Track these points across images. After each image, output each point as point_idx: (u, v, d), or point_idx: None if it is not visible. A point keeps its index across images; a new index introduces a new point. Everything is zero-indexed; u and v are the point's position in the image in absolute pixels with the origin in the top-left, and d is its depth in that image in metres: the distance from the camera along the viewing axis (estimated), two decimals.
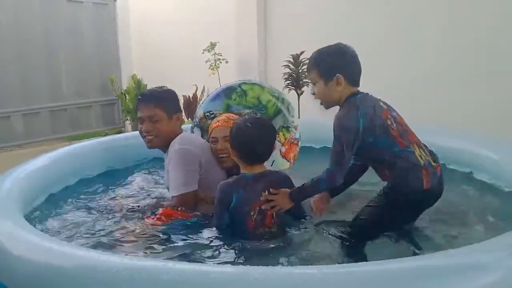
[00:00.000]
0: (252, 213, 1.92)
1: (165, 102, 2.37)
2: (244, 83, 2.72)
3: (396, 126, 1.92)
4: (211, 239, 1.97)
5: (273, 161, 2.58)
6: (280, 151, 2.63)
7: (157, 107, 2.33)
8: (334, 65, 1.95)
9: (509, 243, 1.54)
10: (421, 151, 1.93)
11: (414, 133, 1.99)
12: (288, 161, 2.66)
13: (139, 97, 2.42)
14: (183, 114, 5.98)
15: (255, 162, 2.00)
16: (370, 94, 2.01)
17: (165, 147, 2.38)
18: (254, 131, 1.97)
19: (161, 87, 2.46)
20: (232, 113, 2.57)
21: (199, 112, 2.73)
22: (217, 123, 2.43)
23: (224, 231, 1.99)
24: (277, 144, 2.57)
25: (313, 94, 2.04)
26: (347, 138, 1.85)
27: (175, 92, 2.46)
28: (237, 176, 2.04)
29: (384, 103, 2.00)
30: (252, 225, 1.93)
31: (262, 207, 1.94)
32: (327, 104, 2.03)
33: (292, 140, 2.68)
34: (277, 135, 2.44)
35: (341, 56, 1.97)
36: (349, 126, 1.86)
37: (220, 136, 2.35)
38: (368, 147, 1.90)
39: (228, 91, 2.68)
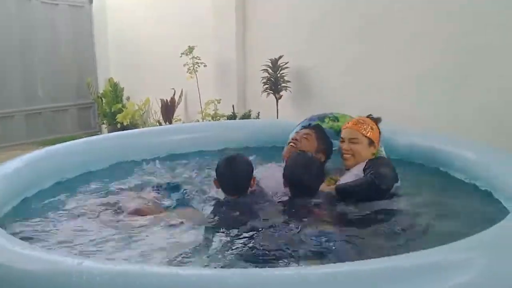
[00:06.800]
0: None
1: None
2: (336, 112, 2.98)
3: None
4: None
5: None
6: None
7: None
8: None
9: (480, 242, 1.58)
10: None
11: None
12: None
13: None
14: (161, 118, 6.08)
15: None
16: None
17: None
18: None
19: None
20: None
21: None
22: (346, 124, 2.61)
23: None
24: None
25: None
26: None
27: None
28: None
29: None
30: None
31: None
32: None
33: None
34: None
35: None
36: None
37: (347, 137, 2.55)
38: None
39: (321, 116, 2.96)
